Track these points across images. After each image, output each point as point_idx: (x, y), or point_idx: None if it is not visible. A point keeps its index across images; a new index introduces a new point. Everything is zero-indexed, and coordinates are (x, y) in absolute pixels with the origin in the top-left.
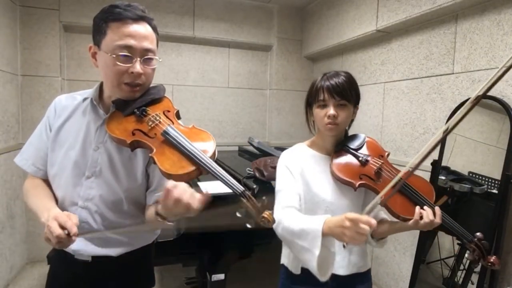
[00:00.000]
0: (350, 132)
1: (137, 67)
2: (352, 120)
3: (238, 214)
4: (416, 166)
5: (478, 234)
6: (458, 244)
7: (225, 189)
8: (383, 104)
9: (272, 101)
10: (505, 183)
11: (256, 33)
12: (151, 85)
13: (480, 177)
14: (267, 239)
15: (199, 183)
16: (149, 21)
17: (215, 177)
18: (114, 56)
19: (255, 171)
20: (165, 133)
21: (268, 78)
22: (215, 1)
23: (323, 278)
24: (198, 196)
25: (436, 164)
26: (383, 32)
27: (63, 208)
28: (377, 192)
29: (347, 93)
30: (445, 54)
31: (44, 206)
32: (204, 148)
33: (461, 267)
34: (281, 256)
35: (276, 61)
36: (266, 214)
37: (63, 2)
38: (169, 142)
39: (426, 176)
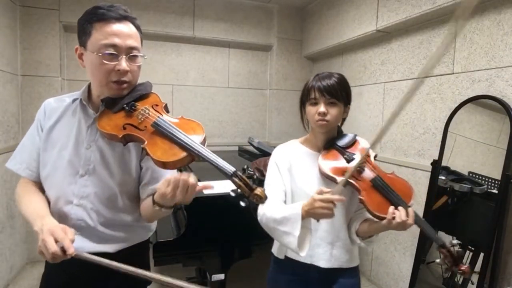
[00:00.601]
0: (348, 130)
1: (123, 64)
2: (344, 119)
3: (231, 193)
4: (374, 143)
5: (454, 241)
6: (458, 244)
7: (225, 189)
8: (383, 104)
9: (272, 101)
10: (505, 183)
11: (256, 33)
12: (138, 83)
13: (480, 177)
14: (267, 239)
15: (199, 183)
16: (132, 20)
17: (206, 161)
18: (100, 54)
19: (255, 171)
20: (155, 124)
21: (268, 78)
22: (215, 1)
23: (303, 253)
24: (191, 186)
25: (436, 164)
26: (383, 32)
27: (57, 207)
28: (357, 189)
29: (337, 93)
30: (445, 54)
31: (37, 213)
32: (194, 136)
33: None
34: (273, 246)
35: (276, 61)
36: (258, 191)
37: (63, 2)
38: (159, 132)
39: (426, 175)
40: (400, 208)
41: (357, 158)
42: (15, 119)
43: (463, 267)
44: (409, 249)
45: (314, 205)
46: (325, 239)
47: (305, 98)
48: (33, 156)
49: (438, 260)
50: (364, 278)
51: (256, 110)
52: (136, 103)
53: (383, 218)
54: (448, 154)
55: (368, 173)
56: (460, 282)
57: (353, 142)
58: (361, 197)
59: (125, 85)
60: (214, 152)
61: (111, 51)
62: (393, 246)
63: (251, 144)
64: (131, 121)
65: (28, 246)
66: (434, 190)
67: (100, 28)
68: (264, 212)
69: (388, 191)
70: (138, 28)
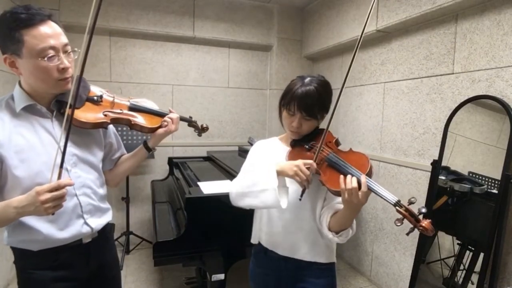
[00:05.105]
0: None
1: (65, 62)
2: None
3: (397, 224)
4: (329, 122)
5: (412, 199)
6: (458, 244)
7: (225, 189)
8: (383, 104)
9: (272, 101)
10: (505, 183)
11: (256, 33)
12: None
13: (480, 177)
14: None
15: (199, 183)
16: (53, 18)
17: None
18: (43, 59)
19: None
20: (131, 105)
21: (268, 78)
22: (215, 1)
23: (284, 204)
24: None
25: (436, 164)
26: (383, 32)
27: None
28: (318, 173)
29: (315, 111)
30: (445, 54)
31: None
32: (154, 106)
33: (461, 267)
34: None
35: (276, 61)
36: (424, 223)
37: (63, 2)
38: (137, 109)
39: (426, 175)
40: (348, 176)
41: (315, 144)
42: None
43: (424, 223)
44: (409, 249)
45: (291, 167)
46: (287, 228)
47: (285, 103)
48: None
49: (397, 223)
50: (364, 278)
51: (256, 110)
52: (92, 94)
53: (338, 192)
54: (448, 154)
55: (325, 155)
56: (460, 282)
57: (316, 134)
58: (320, 179)
59: (69, 79)
60: (214, 151)
61: (52, 53)
62: (393, 246)
63: (251, 144)
64: (105, 107)
65: None
66: (434, 190)
67: (31, 34)
68: (233, 187)
69: (342, 165)
70: (57, 23)
